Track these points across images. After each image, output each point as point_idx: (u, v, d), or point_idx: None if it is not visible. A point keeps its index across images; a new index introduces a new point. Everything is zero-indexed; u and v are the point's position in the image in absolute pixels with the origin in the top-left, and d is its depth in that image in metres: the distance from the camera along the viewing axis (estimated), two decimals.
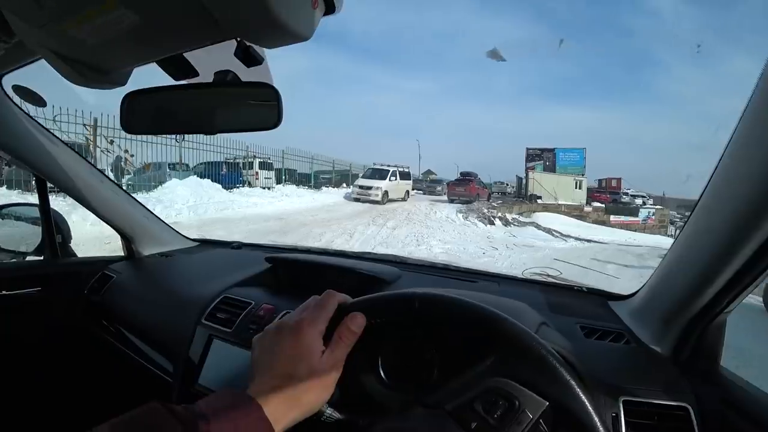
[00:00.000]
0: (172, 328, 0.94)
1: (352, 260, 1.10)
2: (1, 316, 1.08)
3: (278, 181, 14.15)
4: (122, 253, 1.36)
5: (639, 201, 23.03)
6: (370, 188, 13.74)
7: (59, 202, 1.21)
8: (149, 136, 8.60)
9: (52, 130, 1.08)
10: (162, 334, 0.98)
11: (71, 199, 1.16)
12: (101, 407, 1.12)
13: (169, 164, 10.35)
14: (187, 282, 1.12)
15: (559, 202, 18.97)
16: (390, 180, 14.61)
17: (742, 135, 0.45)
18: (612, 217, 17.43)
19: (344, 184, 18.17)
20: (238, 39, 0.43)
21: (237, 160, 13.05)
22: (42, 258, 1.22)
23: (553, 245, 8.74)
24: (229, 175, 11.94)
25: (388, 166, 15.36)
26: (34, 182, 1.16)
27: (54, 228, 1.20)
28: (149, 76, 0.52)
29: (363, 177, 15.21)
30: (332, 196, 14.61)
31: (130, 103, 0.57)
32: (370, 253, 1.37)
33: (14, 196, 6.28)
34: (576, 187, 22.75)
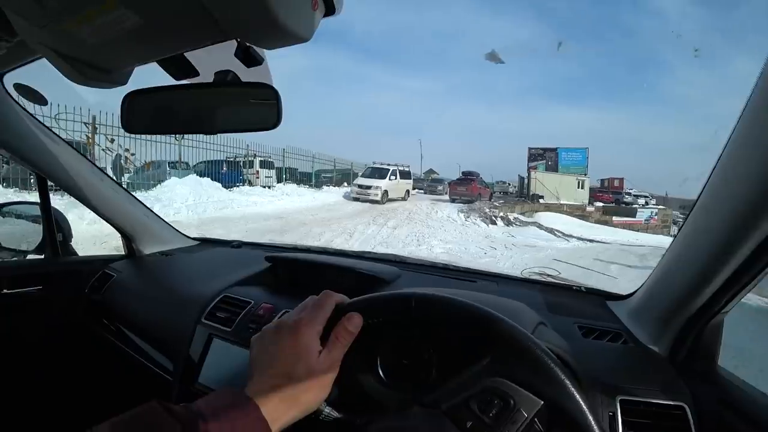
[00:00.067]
0: (173, 326, 0.95)
1: (352, 260, 1.10)
2: (2, 315, 1.09)
3: (279, 180, 14.16)
4: (121, 252, 1.36)
5: (641, 201, 22.97)
6: (369, 187, 13.71)
7: (56, 201, 1.21)
8: (150, 135, 8.61)
9: (53, 129, 1.08)
10: (162, 332, 0.98)
11: (68, 197, 1.16)
12: (102, 405, 1.12)
13: (169, 163, 10.36)
14: (187, 281, 1.12)
15: (562, 202, 18.94)
16: (390, 179, 14.56)
17: (740, 135, 0.45)
18: (614, 218, 17.40)
19: (345, 183, 18.16)
20: (239, 39, 0.43)
21: (238, 159, 13.06)
22: (43, 257, 1.22)
23: (556, 245, 8.72)
24: (229, 173, 11.94)
25: (388, 165, 15.32)
26: (32, 180, 1.17)
27: (55, 226, 1.21)
28: (150, 75, 0.53)
29: (362, 176, 15.18)
30: (333, 195, 14.61)
31: (130, 102, 0.58)
32: (369, 252, 1.37)
33: (11, 194, 6.28)
34: (578, 187, 22.73)
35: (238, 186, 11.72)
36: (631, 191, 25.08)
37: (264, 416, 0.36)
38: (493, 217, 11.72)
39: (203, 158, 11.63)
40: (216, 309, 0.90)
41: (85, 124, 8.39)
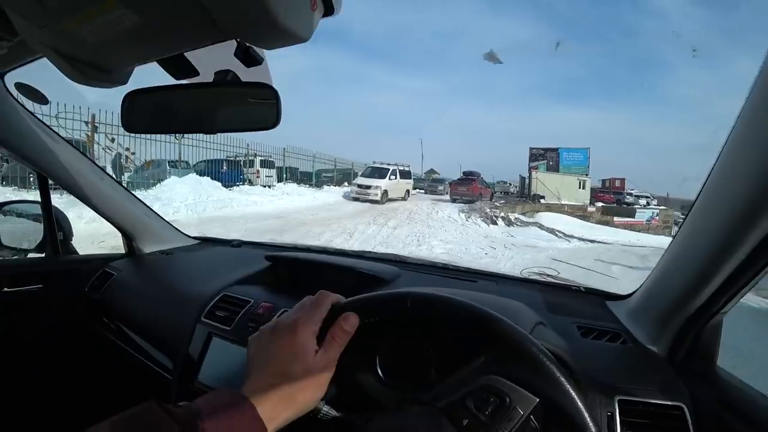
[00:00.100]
0: (172, 325, 0.95)
1: (352, 259, 1.10)
2: (2, 313, 1.09)
3: (280, 180, 14.16)
4: (120, 251, 1.36)
5: (643, 201, 22.93)
6: (369, 187, 13.69)
7: (56, 199, 1.22)
8: (150, 134, 8.61)
9: (53, 128, 1.08)
10: (162, 331, 0.99)
11: (68, 196, 1.16)
12: (102, 404, 1.13)
13: (169, 162, 10.36)
14: (187, 279, 1.13)
15: (563, 202, 18.92)
16: (390, 179, 14.55)
17: (739, 134, 0.45)
18: (616, 218, 17.37)
19: (346, 183, 18.16)
20: (238, 39, 0.43)
21: (238, 158, 13.06)
22: (43, 255, 1.22)
23: (556, 245, 8.71)
24: (229, 173, 11.93)
25: (388, 164, 15.30)
26: (31, 179, 1.17)
27: (55, 225, 1.21)
28: (150, 75, 0.53)
29: (362, 176, 15.16)
30: (333, 194, 14.60)
31: (130, 102, 0.58)
32: (369, 252, 1.37)
33: (9, 193, 6.30)
34: (579, 187, 22.69)
35: (238, 185, 11.72)
36: (632, 192, 25.04)
37: (260, 416, 0.36)
38: (494, 218, 11.71)
39: (203, 157, 11.63)
40: (216, 308, 0.90)
41: (86, 123, 8.40)
